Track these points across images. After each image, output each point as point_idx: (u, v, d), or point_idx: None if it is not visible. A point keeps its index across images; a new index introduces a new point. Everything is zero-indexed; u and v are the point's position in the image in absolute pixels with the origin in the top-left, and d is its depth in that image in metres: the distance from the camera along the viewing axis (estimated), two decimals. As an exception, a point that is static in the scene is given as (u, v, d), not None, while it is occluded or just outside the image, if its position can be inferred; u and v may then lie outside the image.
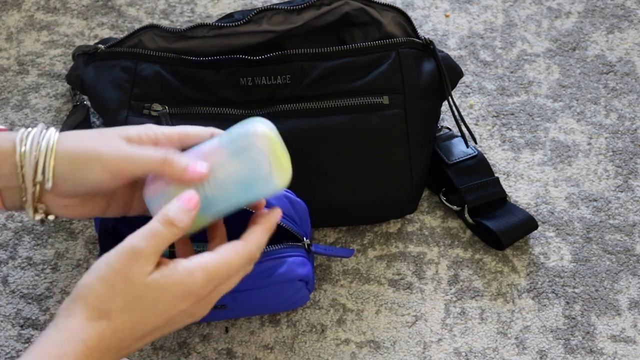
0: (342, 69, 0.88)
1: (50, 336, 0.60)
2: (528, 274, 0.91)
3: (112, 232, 0.83)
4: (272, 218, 0.69)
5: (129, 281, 0.62)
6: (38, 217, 0.67)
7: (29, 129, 0.66)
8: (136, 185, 0.71)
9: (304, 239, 0.81)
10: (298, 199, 0.83)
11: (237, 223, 0.86)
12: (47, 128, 0.67)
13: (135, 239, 0.63)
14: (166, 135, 0.68)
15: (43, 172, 0.65)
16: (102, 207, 0.71)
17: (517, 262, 0.92)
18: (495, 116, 1.01)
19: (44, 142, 0.65)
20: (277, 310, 0.86)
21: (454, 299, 0.90)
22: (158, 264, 0.63)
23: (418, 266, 0.92)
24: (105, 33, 1.08)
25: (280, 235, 0.82)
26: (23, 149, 0.65)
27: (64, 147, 0.65)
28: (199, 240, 0.82)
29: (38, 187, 0.66)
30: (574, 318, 0.89)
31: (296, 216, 0.82)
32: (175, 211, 0.64)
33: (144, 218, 0.84)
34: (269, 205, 0.81)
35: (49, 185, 0.65)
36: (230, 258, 0.65)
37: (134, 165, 0.65)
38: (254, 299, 0.80)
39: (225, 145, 0.66)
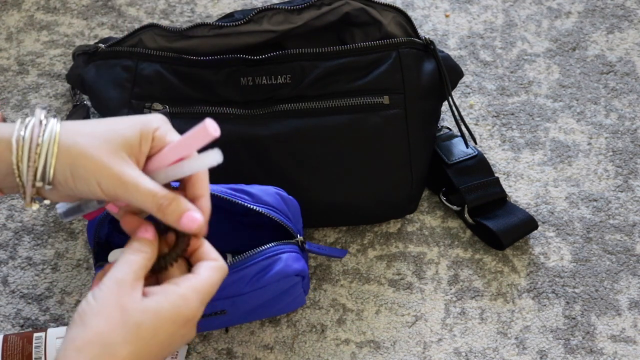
0: (342, 69, 0.88)
1: None
2: (528, 274, 0.91)
3: (105, 242, 0.83)
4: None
5: (124, 310, 0.60)
6: (35, 207, 0.64)
7: (26, 122, 0.62)
8: None
9: (298, 235, 0.81)
10: (290, 197, 0.83)
11: (225, 224, 0.86)
12: (47, 120, 0.62)
13: (114, 271, 0.62)
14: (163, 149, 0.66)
15: (43, 178, 0.62)
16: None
17: (517, 262, 0.92)
18: (495, 116, 1.01)
19: (44, 143, 0.61)
20: (275, 313, 0.86)
21: (454, 299, 0.90)
22: (147, 293, 0.63)
23: (418, 266, 0.92)
24: (105, 33, 1.08)
25: (274, 231, 0.82)
26: (21, 149, 0.61)
27: (67, 153, 0.61)
28: None
29: (36, 189, 0.63)
30: (574, 318, 0.89)
31: (289, 213, 0.82)
32: (139, 244, 0.64)
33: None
34: (260, 200, 0.81)
35: (48, 188, 0.62)
36: (213, 276, 0.65)
37: (129, 197, 0.62)
38: (253, 301, 0.80)
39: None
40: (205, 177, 0.66)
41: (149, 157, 0.65)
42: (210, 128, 0.62)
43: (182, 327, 0.63)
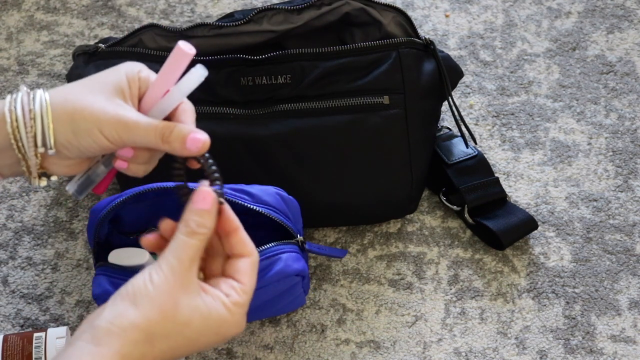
0: (342, 69, 0.88)
1: None
2: (528, 274, 0.91)
3: (105, 242, 0.83)
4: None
5: (176, 305, 0.60)
6: (43, 183, 0.64)
7: (14, 96, 0.62)
8: None
9: (298, 235, 0.81)
10: (290, 197, 0.83)
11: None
12: (33, 91, 0.62)
13: (169, 255, 0.61)
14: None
15: (44, 143, 0.62)
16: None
17: (517, 262, 0.92)
18: (495, 116, 1.01)
19: (37, 107, 0.61)
20: (275, 313, 0.86)
21: (454, 299, 0.90)
22: (200, 287, 0.62)
23: (418, 266, 0.92)
24: (105, 33, 1.08)
25: (274, 231, 0.82)
26: (15, 117, 0.61)
27: (62, 111, 0.62)
28: None
29: (40, 157, 0.63)
30: (574, 318, 0.89)
31: (289, 213, 0.82)
32: (195, 219, 0.62)
33: (137, 230, 0.83)
34: (260, 200, 0.80)
35: (52, 152, 0.62)
36: (253, 281, 0.64)
37: (133, 136, 0.63)
38: (253, 301, 0.80)
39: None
40: (190, 108, 0.66)
41: (139, 100, 0.66)
42: (184, 47, 0.62)
43: (221, 340, 0.63)
